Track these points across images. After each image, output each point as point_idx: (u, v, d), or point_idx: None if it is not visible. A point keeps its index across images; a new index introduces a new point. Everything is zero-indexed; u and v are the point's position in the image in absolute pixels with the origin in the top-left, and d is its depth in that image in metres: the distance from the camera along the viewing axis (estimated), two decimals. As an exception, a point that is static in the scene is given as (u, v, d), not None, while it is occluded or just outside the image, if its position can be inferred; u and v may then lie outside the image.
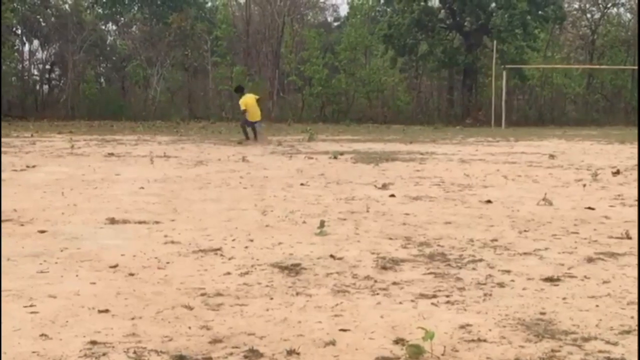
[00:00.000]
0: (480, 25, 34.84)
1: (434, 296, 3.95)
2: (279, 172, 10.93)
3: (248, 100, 18.87)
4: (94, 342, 3.17)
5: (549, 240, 5.57)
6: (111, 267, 4.62)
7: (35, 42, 39.83)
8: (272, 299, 3.90)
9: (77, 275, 4.41)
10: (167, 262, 4.77)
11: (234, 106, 35.93)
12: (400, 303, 3.82)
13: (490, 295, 3.98)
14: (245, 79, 36.47)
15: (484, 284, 4.22)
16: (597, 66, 37.81)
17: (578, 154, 14.91)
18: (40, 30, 38.79)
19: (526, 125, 32.30)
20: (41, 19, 38.85)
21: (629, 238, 5.54)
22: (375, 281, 4.28)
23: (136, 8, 43.52)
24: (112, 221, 6.34)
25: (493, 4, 34.46)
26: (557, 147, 17.08)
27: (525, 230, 5.98)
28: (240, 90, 20.17)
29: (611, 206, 7.43)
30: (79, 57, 37.27)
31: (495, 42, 32.82)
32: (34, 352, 3.05)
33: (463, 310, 3.69)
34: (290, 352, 3.05)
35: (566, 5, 37.46)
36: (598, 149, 16.74)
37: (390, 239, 5.60)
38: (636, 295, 3.93)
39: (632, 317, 3.55)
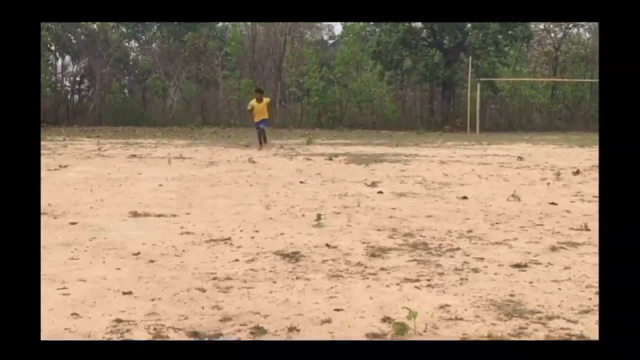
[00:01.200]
0: (457, 43, 34.75)
1: (417, 280, 3.95)
2: (281, 171, 10.92)
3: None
4: (119, 320, 3.17)
5: (517, 231, 5.58)
6: (134, 254, 4.61)
7: (67, 57, 39.80)
8: (275, 282, 3.90)
9: (104, 262, 4.41)
10: (183, 250, 4.77)
11: (241, 114, 36.00)
12: (387, 286, 3.82)
13: (466, 279, 3.98)
14: (252, 90, 36.42)
15: (461, 269, 4.23)
16: (560, 79, 37.79)
17: (543, 156, 14.91)
18: (72, 47, 38.70)
19: (497, 131, 32.27)
20: (72, 37, 38.74)
21: (587, 230, 5.55)
22: (366, 267, 4.28)
23: (156, 27, 43.47)
24: (135, 214, 6.33)
25: (469, 24, 34.39)
26: (525, 150, 17.07)
27: (496, 223, 5.98)
28: (261, 93, 17.70)
29: (572, 202, 7.44)
30: (105, 71, 37.20)
31: (470, 58, 32.73)
32: (66, 328, 3.06)
33: (442, 292, 3.70)
34: (291, 329, 3.05)
35: (533, 26, 37.34)
36: (560, 152, 16.74)
37: (379, 230, 5.60)
38: (594, 280, 3.93)
39: (590, 299, 3.56)
